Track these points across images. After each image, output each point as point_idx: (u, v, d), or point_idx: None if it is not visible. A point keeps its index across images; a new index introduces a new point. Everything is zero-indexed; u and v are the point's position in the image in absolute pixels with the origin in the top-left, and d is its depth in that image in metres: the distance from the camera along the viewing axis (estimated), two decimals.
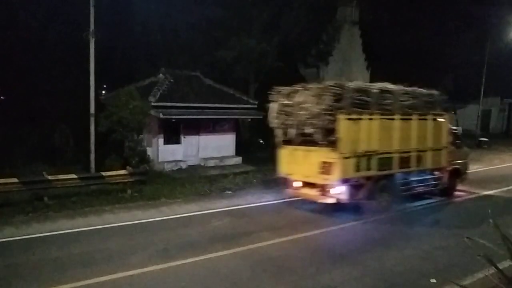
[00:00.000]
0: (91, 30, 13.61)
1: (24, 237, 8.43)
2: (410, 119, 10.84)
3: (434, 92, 12.00)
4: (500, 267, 4.36)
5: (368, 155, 9.83)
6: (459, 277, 6.14)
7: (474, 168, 16.96)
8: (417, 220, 10.24)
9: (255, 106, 18.79)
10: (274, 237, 8.30)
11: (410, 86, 11.58)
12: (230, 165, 17.48)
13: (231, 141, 18.67)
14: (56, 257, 7.20)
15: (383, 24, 27.13)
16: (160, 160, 16.38)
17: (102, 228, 9.15)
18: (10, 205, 10.53)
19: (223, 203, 11.58)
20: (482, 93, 28.88)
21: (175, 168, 16.19)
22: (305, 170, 10.24)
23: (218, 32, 21.54)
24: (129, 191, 12.17)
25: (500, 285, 4.03)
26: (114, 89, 17.32)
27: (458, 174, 12.72)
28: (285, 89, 10.81)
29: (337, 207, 10.15)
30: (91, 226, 9.21)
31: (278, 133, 10.90)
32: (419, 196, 11.79)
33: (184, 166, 16.60)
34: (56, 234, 8.64)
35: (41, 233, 8.68)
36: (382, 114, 10.17)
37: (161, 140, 16.69)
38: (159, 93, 16.14)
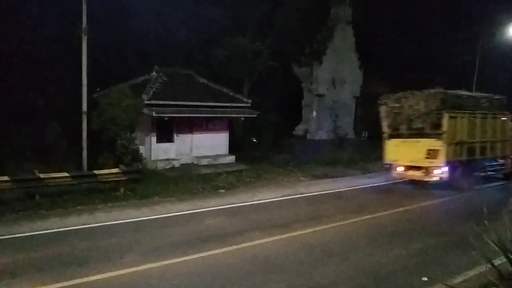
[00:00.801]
0: (83, 27, 13.51)
1: (14, 235, 8.35)
2: (486, 117, 14.00)
3: (502, 97, 15.49)
4: None
5: (461, 144, 13.04)
6: None
7: None
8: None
9: (249, 104, 18.79)
10: (265, 236, 8.33)
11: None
12: (223, 164, 17.46)
13: (225, 140, 18.67)
14: (47, 256, 7.15)
15: (376, 24, 27.22)
16: (153, 158, 16.33)
17: (95, 226, 9.11)
18: (0, 203, 10.41)
19: (217, 202, 11.58)
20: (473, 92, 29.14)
21: (168, 167, 16.14)
22: (411, 157, 13.24)
23: (212, 31, 21.50)
24: (121, 190, 12.11)
25: None
26: (107, 87, 17.22)
27: None
28: (394, 95, 14.15)
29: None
30: (83, 225, 9.15)
31: (386, 129, 14.15)
32: (488, 179, 14.61)
33: (177, 164, 16.57)
34: (47, 233, 8.58)
35: (32, 231, 8.61)
36: (469, 114, 13.33)
37: (154, 139, 16.63)
38: (152, 91, 16.07)
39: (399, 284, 6.13)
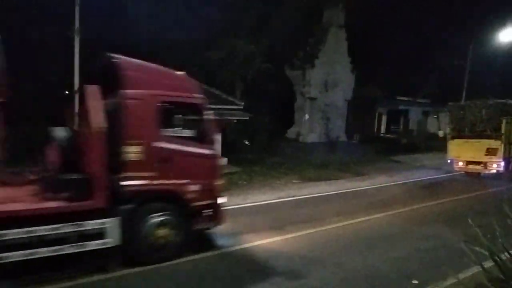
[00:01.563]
0: (76, 27, 13.44)
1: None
2: None
3: None
4: None
5: (510, 144, 16.15)
6: None
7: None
8: None
9: (241, 107, 18.79)
10: (258, 239, 8.29)
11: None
12: None
13: (217, 142, 18.63)
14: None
15: (369, 28, 27.45)
16: None
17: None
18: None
19: None
20: (463, 97, 29.46)
21: None
22: (472, 154, 16.55)
23: (206, 33, 21.48)
24: None
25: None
26: None
27: None
28: (458, 104, 18.60)
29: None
30: None
31: (451, 131, 17.52)
32: None
33: None
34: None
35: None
36: None
37: None
38: None
39: None
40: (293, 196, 13.01)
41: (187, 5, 20.75)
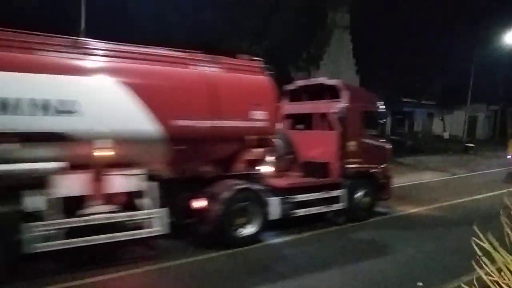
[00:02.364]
0: (81, 28, 13.54)
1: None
2: None
3: None
4: None
5: None
6: None
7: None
8: None
9: None
10: None
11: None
12: None
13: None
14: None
15: (373, 30, 27.39)
16: None
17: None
18: None
19: None
20: (469, 99, 29.35)
21: None
22: None
23: (210, 34, 21.55)
24: None
25: None
26: None
27: None
28: None
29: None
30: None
31: None
32: None
33: None
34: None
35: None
36: None
37: None
38: None
39: None
40: None
41: (190, 6, 20.82)
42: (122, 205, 6.64)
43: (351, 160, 9.48)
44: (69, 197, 6.12)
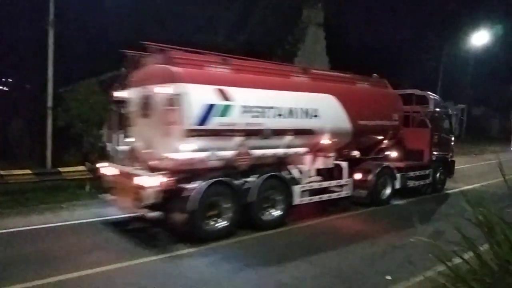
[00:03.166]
0: (50, 19, 13.11)
1: None
2: None
3: None
4: None
5: None
6: None
7: None
8: None
9: None
10: None
11: None
12: None
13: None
14: (7, 256, 6.91)
15: (347, 28, 27.76)
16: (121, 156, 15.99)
17: (58, 225, 8.86)
18: None
19: None
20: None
21: None
22: None
23: (186, 28, 21.29)
24: (87, 188, 11.83)
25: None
26: (74, 82, 16.75)
27: None
28: None
29: None
30: (46, 224, 8.90)
31: None
32: None
33: None
34: (7, 232, 8.28)
35: None
36: None
37: (122, 136, 16.28)
38: (121, 88, 15.74)
39: None
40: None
41: (166, 0, 20.52)
42: (329, 176, 10.33)
43: (435, 149, 13.13)
44: (308, 169, 9.79)
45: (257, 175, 8.54)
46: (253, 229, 8.33)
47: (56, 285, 5.78)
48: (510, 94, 35.68)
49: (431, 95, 13.68)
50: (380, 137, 11.71)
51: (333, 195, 10.29)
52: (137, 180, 7.47)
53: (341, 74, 11.12)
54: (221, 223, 7.90)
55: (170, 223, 7.72)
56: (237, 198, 8.07)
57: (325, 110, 9.65)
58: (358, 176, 10.92)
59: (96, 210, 10.15)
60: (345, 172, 10.52)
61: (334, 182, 10.34)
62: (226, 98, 7.90)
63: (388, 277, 6.19)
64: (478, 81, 33.51)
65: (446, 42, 28.75)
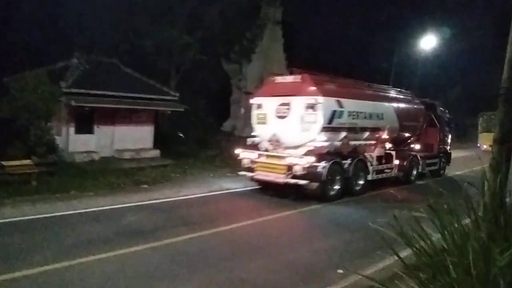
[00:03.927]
0: None
1: None
2: None
3: None
4: None
5: None
6: None
7: None
8: None
9: (176, 98, 18.45)
10: (189, 232, 8.27)
11: None
12: (147, 158, 16.97)
13: (149, 133, 18.13)
14: None
15: (304, 26, 28.19)
16: (70, 150, 15.38)
17: (1, 223, 8.38)
18: None
19: (139, 197, 11.23)
20: None
21: (87, 160, 15.31)
22: (490, 141, 23.89)
23: (140, 19, 20.74)
24: (34, 183, 11.29)
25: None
26: (20, 71, 15.83)
27: None
28: (486, 113, 31.07)
29: None
30: None
31: (480, 128, 31.58)
32: None
33: (97, 157, 15.78)
34: None
35: None
36: None
37: (72, 129, 15.68)
38: (72, 79, 15.12)
39: None
40: (226, 190, 13.08)
41: None
42: (382, 161, 14.12)
43: (441, 144, 17.67)
44: (374, 156, 13.63)
45: (350, 158, 12.28)
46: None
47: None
48: (454, 97, 37.70)
49: (439, 104, 18.52)
50: (411, 133, 15.92)
51: (385, 175, 14.18)
52: (289, 160, 11.19)
53: (389, 87, 16.68)
54: (336, 190, 11.76)
55: (307, 188, 11.16)
56: (343, 173, 11.91)
57: (387, 114, 13.92)
58: (397, 162, 14.63)
59: (43, 206, 9.68)
60: (394, 158, 14.49)
61: (387, 166, 14.18)
62: (341, 105, 11.83)
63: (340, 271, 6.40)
64: (426, 83, 35.16)
65: (396, 45, 29.95)
